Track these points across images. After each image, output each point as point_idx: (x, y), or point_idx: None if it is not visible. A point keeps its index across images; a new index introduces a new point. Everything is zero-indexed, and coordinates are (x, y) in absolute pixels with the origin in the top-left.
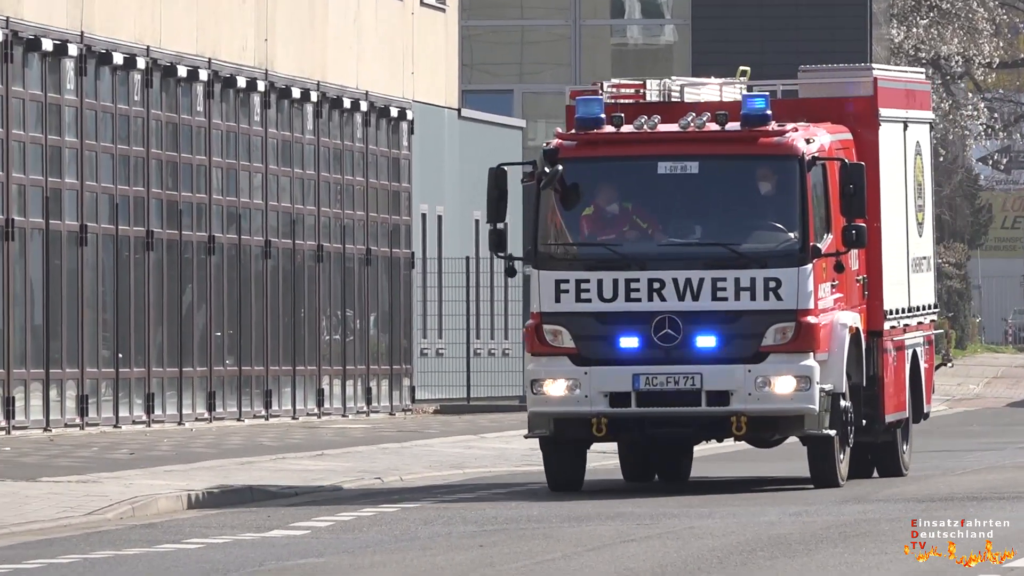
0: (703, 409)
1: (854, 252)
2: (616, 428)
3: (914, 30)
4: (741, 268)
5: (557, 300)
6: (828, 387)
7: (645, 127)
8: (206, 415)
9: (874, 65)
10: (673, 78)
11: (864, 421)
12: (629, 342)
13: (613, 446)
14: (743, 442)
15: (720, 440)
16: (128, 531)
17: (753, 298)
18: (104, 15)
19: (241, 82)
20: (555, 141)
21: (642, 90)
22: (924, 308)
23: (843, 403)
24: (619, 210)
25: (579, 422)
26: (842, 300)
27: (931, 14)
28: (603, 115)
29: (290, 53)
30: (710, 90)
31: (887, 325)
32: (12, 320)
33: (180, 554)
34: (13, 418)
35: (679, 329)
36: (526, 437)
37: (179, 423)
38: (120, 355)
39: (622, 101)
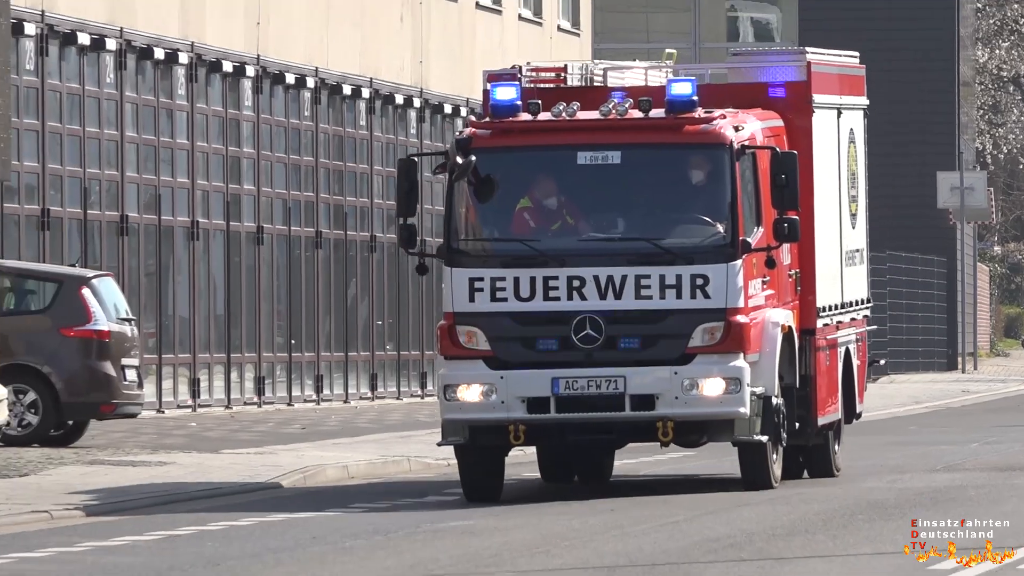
0: (627, 414)
1: (786, 246)
2: (535, 435)
3: (996, 51)
4: (666, 264)
5: (471, 299)
6: (759, 389)
7: (564, 114)
8: (369, 394)
9: (807, 48)
10: (596, 61)
11: (797, 424)
12: (548, 344)
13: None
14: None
15: (647, 443)
16: (300, 496)
17: (679, 296)
18: (277, 40)
19: (399, 99)
20: (468, 130)
21: (563, 74)
22: (857, 303)
23: (776, 403)
24: (536, 203)
25: (496, 429)
26: (774, 297)
27: (1012, 37)
28: (519, 101)
29: (442, 73)
30: (635, 74)
31: (820, 323)
32: (197, 310)
33: (346, 517)
34: (198, 397)
35: (601, 330)
36: (439, 445)
37: (345, 401)
38: (293, 341)
39: (542, 86)
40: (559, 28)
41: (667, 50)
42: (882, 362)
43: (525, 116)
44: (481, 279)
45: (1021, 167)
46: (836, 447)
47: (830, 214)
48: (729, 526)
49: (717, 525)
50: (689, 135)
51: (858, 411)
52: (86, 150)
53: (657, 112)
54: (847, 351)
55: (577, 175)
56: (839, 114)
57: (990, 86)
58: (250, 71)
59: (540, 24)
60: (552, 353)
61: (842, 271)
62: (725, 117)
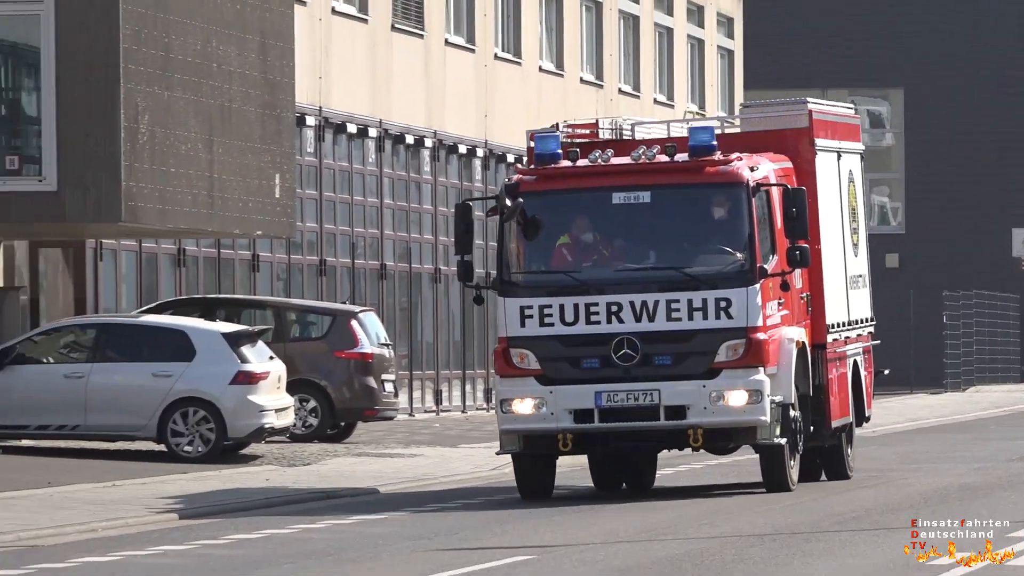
0: (662, 423)
1: (798, 271)
2: (581, 443)
3: None
4: (693, 290)
5: (522, 325)
6: (778, 399)
7: (599, 160)
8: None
9: (808, 99)
10: (625, 117)
11: (812, 428)
12: (590, 362)
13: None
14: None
15: (681, 449)
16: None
17: (705, 317)
18: (399, 106)
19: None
20: (516, 176)
21: (595, 129)
22: (862, 321)
23: (792, 412)
24: (577, 239)
25: (546, 438)
26: (788, 316)
27: None
28: (560, 151)
29: (505, 126)
30: (659, 128)
31: (830, 338)
32: (439, 338)
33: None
34: (440, 404)
35: (637, 349)
36: (498, 453)
37: None
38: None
39: (578, 140)
40: (620, 91)
41: (687, 108)
42: (887, 372)
43: (565, 163)
44: (531, 307)
45: None
46: (849, 449)
47: (835, 243)
48: (838, 505)
49: (818, 506)
50: (710, 176)
51: (867, 415)
52: (353, 213)
53: (681, 157)
54: (855, 363)
55: (612, 213)
56: (839, 157)
57: None
58: (372, 132)
59: (601, 86)
60: (594, 370)
61: (847, 293)
62: (741, 159)
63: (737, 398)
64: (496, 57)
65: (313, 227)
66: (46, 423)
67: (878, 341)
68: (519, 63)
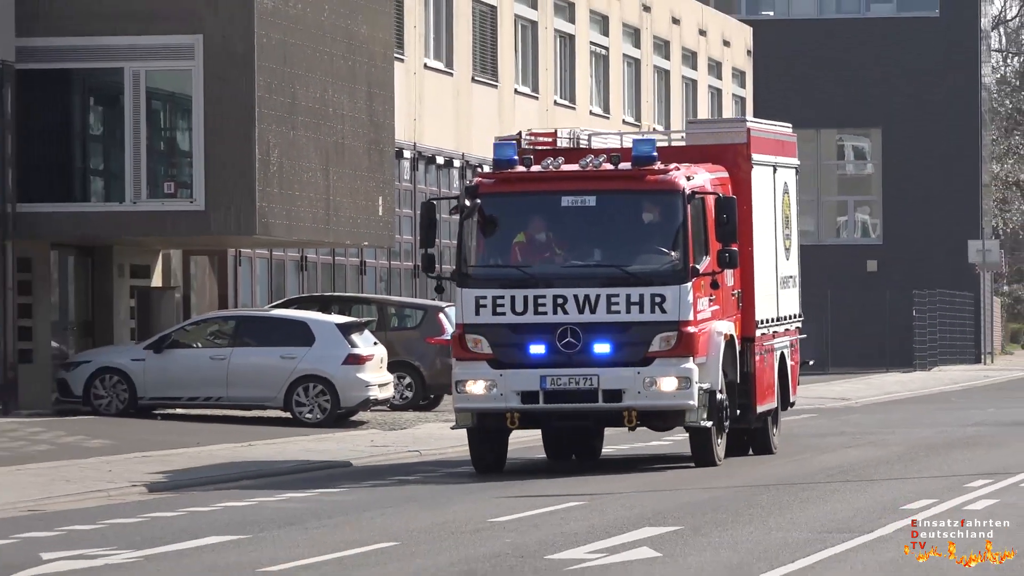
0: (600, 405)
1: (729, 271)
2: (527, 421)
3: (1005, 165)
4: (631, 286)
5: (477, 313)
6: (706, 385)
7: (551, 167)
8: None
9: (748, 118)
10: (583, 128)
11: (739, 411)
12: (537, 349)
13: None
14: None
15: (616, 427)
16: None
17: (641, 311)
18: (477, 141)
19: None
20: (476, 179)
21: (554, 138)
22: (790, 317)
23: (719, 397)
24: (528, 237)
25: (496, 416)
26: (719, 311)
27: (1015, 156)
28: (516, 157)
29: None
30: (614, 139)
31: (758, 332)
32: None
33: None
34: None
35: (579, 337)
36: (452, 428)
37: None
38: None
39: (539, 148)
40: (654, 129)
41: (647, 124)
42: (811, 363)
43: (520, 168)
44: (485, 297)
45: (1021, 237)
46: (775, 430)
47: (767, 247)
48: (830, 461)
49: (811, 463)
50: (650, 183)
51: (792, 400)
52: (452, 229)
53: (625, 165)
54: (782, 354)
55: (560, 215)
56: (775, 170)
57: (1000, 186)
58: (456, 163)
59: (639, 126)
60: (540, 356)
61: (778, 292)
62: (679, 169)
63: (668, 384)
64: (555, 103)
65: (408, 239)
66: (195, 395)
67: (804, 335)
68: (573, 108)
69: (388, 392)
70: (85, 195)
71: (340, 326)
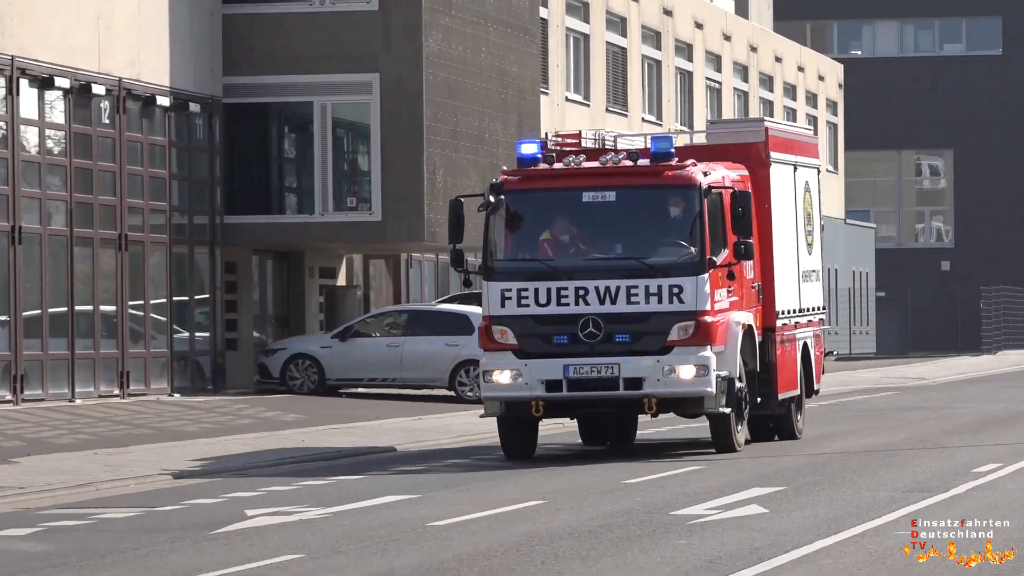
0: (621, 393)
1: (749, 263)
2: (551, 409)
3: None
4: (650, 277)
5: (502, 305)
6: (724, 373)
7: (572, 164)
8: None
9: (766, 118)
10: (609, 129)
11: (760, 399)
12: (560, 339)
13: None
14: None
15: (639, 415)
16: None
17: (660, 301)
18: None
19: None
20: (501, 177)
21: (579, 139)
22: (813, 309)
23: (739, 384)
24: (551, 231)
25: (522, 404)
26: (738, 302)
27: None
28: (539, 155)
29: None
30: (639, 140)
31: (779, 322)
32: None
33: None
34: None
35: (600, 328)
36: (481, 417)
37: None
38: None
39: (565, 148)
40: (679, 130)
41: (671, 126)
42: (835, 353)
43: (544, 166)
44: (510, 290)
45: None
46: (798, 416)
47: (788, 242)
48: (913, 431)
49: (901, 432)
50: (668, 179)
51: (816, 388)
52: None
53: (644, 162)
54: (805, 344)
55: (582, 210)
56: (795, 169)
57: None
58: None
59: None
60: (563, 346)
61: (799, 285)
62: (696, 165)
63: (686, 372)
64: (674, 130)
65: None
66: (374, 377)
67: (828, 326)
68: (688, 132)
69: None
70: (281, 208)
71: None
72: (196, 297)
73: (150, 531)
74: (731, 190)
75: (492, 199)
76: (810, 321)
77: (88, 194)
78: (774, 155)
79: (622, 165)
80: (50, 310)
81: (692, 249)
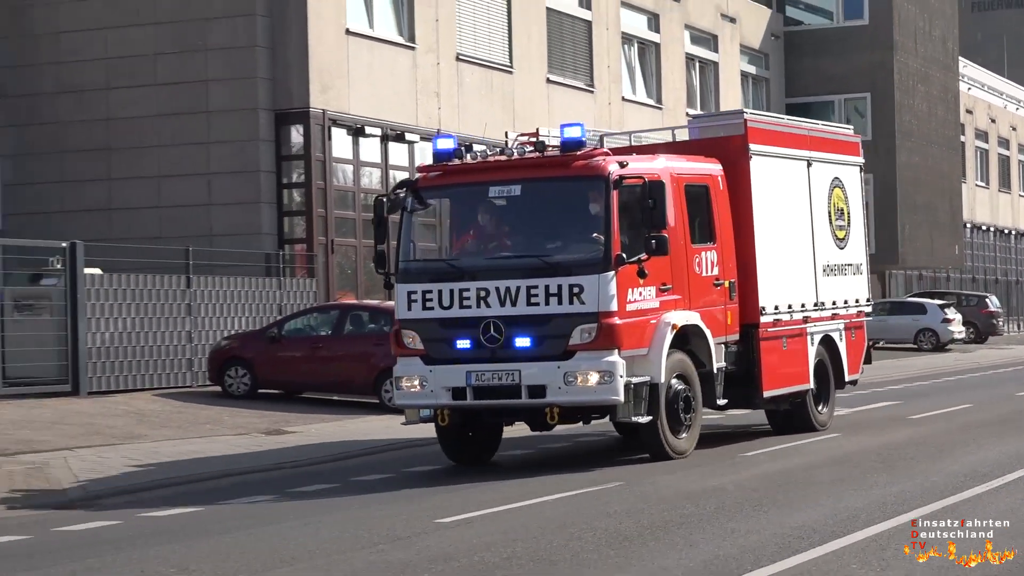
0: (523, 401)
1: (711, 259)
2: (457, 417)
3: None
4: (551, 276)
5: (409, 308)
6: (643, 379)
7: (479, 157)
8: None
9: (746, 110)
10: (594, 129)
11: (725, 400)
12: (463, 343)
13: None
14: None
15: (544, 426)
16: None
17: (560, 303)
18: None
19: None
20: (418, 174)
21: (536, 136)
22: (845, 303)
23: (678, 388)
24: (460, 229)
25: (432, 412)
26: (681, 301)
27: None
28: (452, 149)
29: None
30: (621, 139)
31: (766, 319)
32: None
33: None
34: None
35: (501, 331)
36: (403, 424)
37: None
38: None
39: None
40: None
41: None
42: (879, 343)
43: (455, 161)
44: (415, 292)
45: None
46: (821, 408)
47: (784, 235)
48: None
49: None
50: (575, 169)
51: (849, 379)
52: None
53: (552, 152)
54: (828, 337)
55: (489, 205)
56: (809, 164)
57: None
58: None
59: None
60: (466, 351)
61: (817, 279)
62: (607, 154)
63: (590, 379)
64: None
65: None
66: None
67: (869, 317)
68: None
69: None
70: None
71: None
72: None
73: None
74: (641, 179)
75: (395, 196)
76: (835, 315)
77: None
78: (759, 147)
79: (529, 157)
80: None
81: (597, 245)
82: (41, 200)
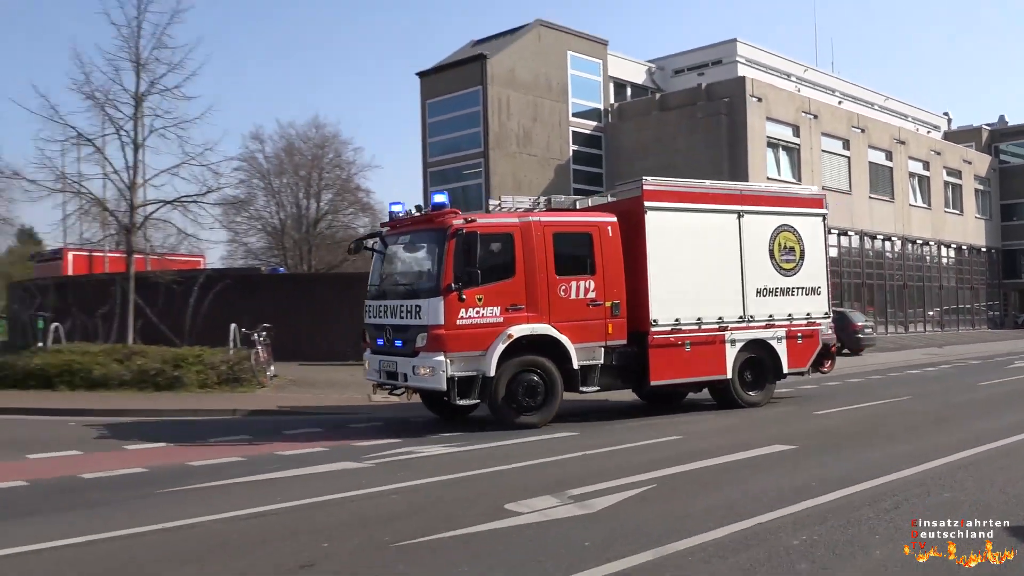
0: (399, 383)
1: (584, 286)
2: (383, 389)
3: None
4: (410, 299)
5: (364, 317)
6: (472, 373)
7: (399, 216)
8: None
9: (646, 178)
10: (519, 198)
11: (639, 384)
12: (379, 341)
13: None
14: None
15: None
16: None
17: (412, 318)
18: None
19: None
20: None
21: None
22: (782, 316)
23: (528, 378)
24: (380, 262)
25: (375, 386)
26: (536, 317)
27: None
28: (399, 212)
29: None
30: (522, 202)
31: (657, 328)
32: None
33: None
34: None
35: (390, 335)
36: (370, 395)
37: None
38: None
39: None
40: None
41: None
42: (834, 348)
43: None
44: (368, 306)
45: None
46: (752, 392)
47: (687, 269)
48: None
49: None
50: (430, 224)
51: (787, 372)
52: None
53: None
54: (758, 341)
55: (392, 250)
56: (740, 216)
57: None
58: None
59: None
60: (380, 347)
61: (744, 298)
62: (457, 215)
63: (424, 371)
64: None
65: None
66: None
67: (825, 327)
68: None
69: None
70: None
71: None
72: None
73: None
74: (458, 232)
75: (354, 245)
76: (771, 324)
77: None
78: (655, 204)
79: (411, 216)
80: None
81: (435, 278)
82: None
